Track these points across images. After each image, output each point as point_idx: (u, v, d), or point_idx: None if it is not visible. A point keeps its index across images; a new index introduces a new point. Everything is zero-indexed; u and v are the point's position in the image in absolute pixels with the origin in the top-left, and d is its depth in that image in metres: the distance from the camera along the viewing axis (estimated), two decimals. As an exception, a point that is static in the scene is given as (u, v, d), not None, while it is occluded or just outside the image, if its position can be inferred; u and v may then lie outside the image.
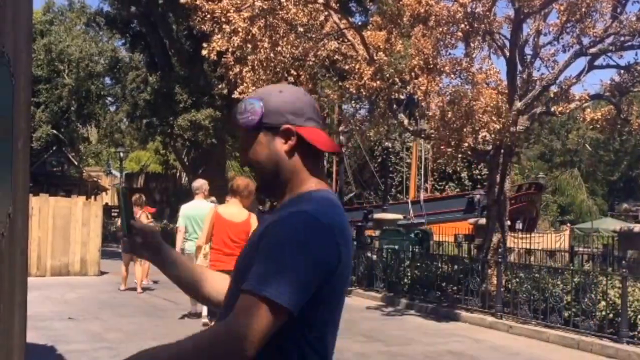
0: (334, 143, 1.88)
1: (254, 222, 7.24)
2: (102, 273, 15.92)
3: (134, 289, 13.25)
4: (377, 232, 17.98)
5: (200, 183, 10.51)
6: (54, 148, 37.25)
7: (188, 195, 20.43)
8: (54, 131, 35.56)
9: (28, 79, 3.89)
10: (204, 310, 10.03)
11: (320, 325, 1.74)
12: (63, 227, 15.35)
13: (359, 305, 12.66)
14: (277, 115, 1.78)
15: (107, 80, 35.94)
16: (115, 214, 17.32)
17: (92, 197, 27.58)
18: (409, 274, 13.14)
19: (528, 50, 12.72)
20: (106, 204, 21.85)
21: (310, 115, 1.81)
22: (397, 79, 12.64)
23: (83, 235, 15.56)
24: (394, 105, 13.39)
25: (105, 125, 39.68)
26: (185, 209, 10.30)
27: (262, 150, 1.81)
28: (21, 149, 3.52)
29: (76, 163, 40.36)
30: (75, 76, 33.57)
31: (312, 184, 1.80)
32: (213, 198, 11.92)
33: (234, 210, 7.29)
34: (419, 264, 13.08)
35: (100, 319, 10.20)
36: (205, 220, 7.74)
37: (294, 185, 1.81)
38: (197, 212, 9.87)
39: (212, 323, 6.01)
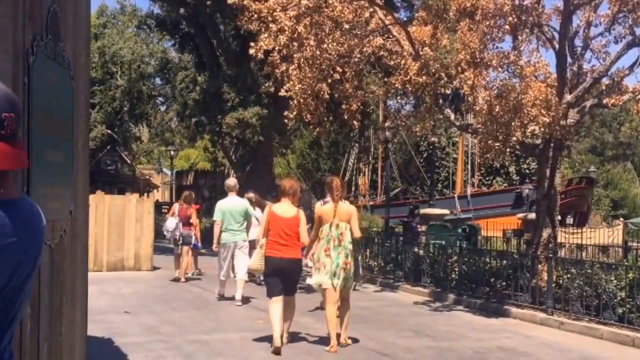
0: (6, 160, 1.70)
1: (302, 217, 8.23)
2: (154, 268, 16.28)
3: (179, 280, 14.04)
4: (424, 228, 17.92)
5: (234, 182, 12.25)
6: (108, 147, 38.15)
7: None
8: (108, 131, 36.39)
9: (86, 81, 4.06)
10: (238, 294, 11.44)
11: None
12: (118, 224, 15.77)
13: (406, 301, 12.69)
14: None
15: (158, 80, 36.55)
16: (166, 211, 17.72)
17: (145, 194, 28.19)
18: (456, 269, 13.10)
19: (578, 42, 12.53)
20: (157, 200, 22.26)
21: None
22: (443, 74, 12.59)
23: (137, 231, 15.96)
24: (440, 100, 13.34)
25: (156, 125, 40.44)
26: (221, 204, 11.78)
27: None
28: (81, 149, 3.69)
29: (129, 162, 41.20)
30: (127, 77, 34.26)
31: None
32: (250, 195, 13.47)
33: (285, 208, 8.23)
34: (466, 259, 13.03)
35: (155, 313, 10.46)
36: (262, 217, 8.76)
37: None
38: (231, 207, 11.63)
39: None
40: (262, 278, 9.65)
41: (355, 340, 8.81)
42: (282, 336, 8.04)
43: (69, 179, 3.41)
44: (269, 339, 8.66)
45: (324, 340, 8.44)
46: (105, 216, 15.50)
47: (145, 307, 10.95)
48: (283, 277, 8.08)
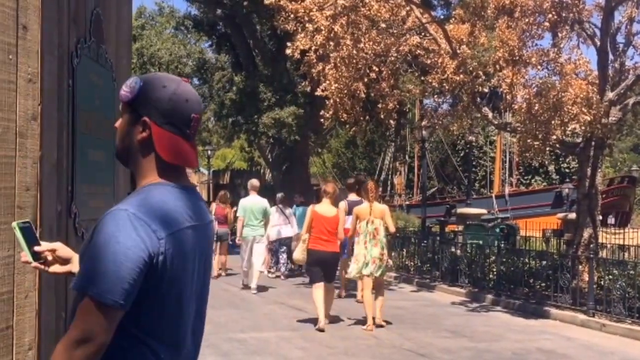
0: (184, 157, 1.88)
1: (341, 216, 9.69)
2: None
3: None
4: (460, 227, 17.77)
5: (256, 183, 13.44)
6: (147, 147, 38.62)
7: (272, 190, 20.94)
8: (147, 131, 36.83)
9: (128, 82, 4.11)
10: (253, 283, 12.70)
11: (150, 324, 1.78)
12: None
13: (443, 301, 12.60)
14: (145, 105, 1.84)
15: (195, 80, 36.83)
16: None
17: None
18: (494, 269, 12.97)
19: (620, 39, 12.32)
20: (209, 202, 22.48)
21: (174, 121, 1.84)
22: (480, 72, 12.46)
23: (174, 230, 16.05)
24: (478, 99, 13.22)
25: (193, 125, 40.80)
26: (243, 202, 13.03)
27: (123, 127, 1.90)
28: (123, 149, 3.73)
29: (167, 161, 41.65)
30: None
31: (153, 179, 1.86)
32: (280, 195, 15.07)
33: (326, 208, 9.62)
34: (505, 260, 12.88)
35: (192, 312, 10.53)
36: (306, 216, 9.83)
37: (141, 177, 1.88)
38: (252, 205, 12.88)
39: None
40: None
41: (391, 340, 8.78)
42: (325, 317, 9.34)
43: (110, 178, 3.46)
44: (305, 337, 8.69)
45: (361, 322, 9.69)
46: (143, 216, 15.63)
47: (183, 306, 11.04)
48: (324, 266, 9.45)
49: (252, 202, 12.97)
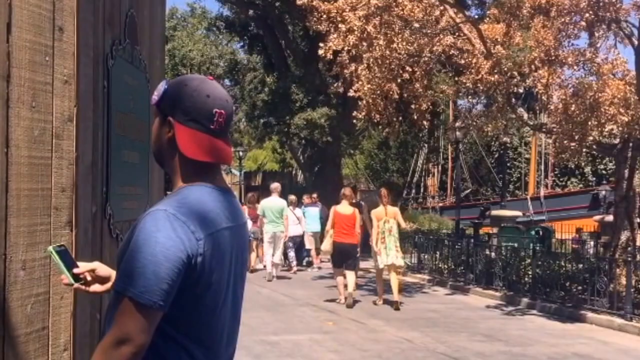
0: (209, 152, 1.88)
1: (357, 214, 11.75)
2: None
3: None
4: (495, 229, 17.58)
5: (276, 185, 15.57)
6: (179, 148, 38.88)
7: (304, 191, 21.03)
8: (178, 132, 37.10)
9: (162, 84, 4.12)
10: (272, 272, 14.71)
11: (187, 325, 1.79)
12: (188, 224, 16.01)
13: (477, 304, 12.47)
14: (169, 105, 1.89)
15: (227, 81, 37.03)
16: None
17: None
18: (529, 272, 12.78)
19: (658, 38, 12.06)
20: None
21: (197, 117, 1.86)
22: (515, 73, 12.32)
23: (207, 230, 16.17)
24: (513, 99, 13.07)
25: (224, 126, 40.98)
26: (264, 203, 15.20)
27: (155, 130, 1.95)
28: (157, 150, 3.74)
29: (199, 162, 41.90)
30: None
31: (189, 179, 1.88)
32: (292, 197, 16.90)
33: (345, 208, 11.78)
34: (540, 262, 12.69)
35: (225, 313, 10.57)
36: (330, 215, 11.98)
37: (175, 178, 1.91)
38: (271, 205, 14.88)
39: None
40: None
41: (425, 344, 8.71)
42: (346, 298, 11.47)
43: (144, 179, 3.46)
44: (338, 340, 8.67)
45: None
46: (176, 215, 15.74)
47: (216, 306, 11.09)
48: (345, 254, 11.52)
49: (271, 202, 14.95)
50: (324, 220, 15.35)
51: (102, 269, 2.08)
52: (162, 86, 1.92)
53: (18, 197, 2.18)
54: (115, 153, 2.90)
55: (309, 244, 17.21)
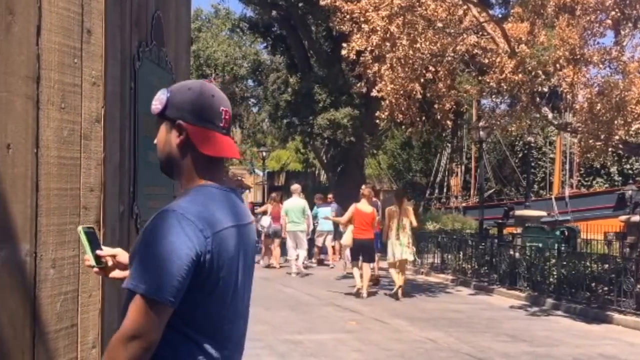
0: (224, 149, 1.95)
1: (374, 213, 12.87)
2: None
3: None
4: (519, 230, 17.43)
5: (296, 186, 16.73)
6: (202, 149, 39.06)
7: (327, 191, 21.11)
8: (202, 133, 37.26)
9: (188, 85, 4.16)
10: (295, 269, 15.64)
11: (198, 321, 1.83)
12: (212, 224, 16.11)
13: (501, 304, 12.40)
14: (175, 110, 1.93)
15: (250, 82, 37.20)
16: (260, 211, 18.42)
17: (238, 195, 28.76)
18: (554, 272, 12.67)
19: (685, 36, 11.94)
20: (251, 202, 22.68)
21: (208, 117, 1.93)
22: (540, 72, 12.22)
23: (230, 231, 16.26)
24: (537, 99, 12.97)
25: (248, 126, 41.17)
26: (286, 204, 16.39)
27: (161, 138, 1.98)
28: (182, 151, 3.78)
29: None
30: (221, 80, 35.04)
31: (198, 181, 1.94)
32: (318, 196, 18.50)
33: (364, 206, 12.75)
34: (565, 263, 12.58)
35: (248, 312, 10.62)
36: (348, 212, 13.03)
37: (185, 180, 1.96)
38: (293, 206, 16.00)
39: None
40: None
41: (449, 344, 8.69)
42: (360, 288, 12.49)
43: (169, 179, 3.50)
44: (362, 340, 8.68)
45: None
46: (200, 216, 15.81)
47: (239, 306, 11.13)
48: (363, 249, 12.56)
49: (293, 203, 16.01)
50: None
51: (123, 256, 2.13)
52: (163, 94, 1.96)
53: (47, 197, 2.23)
54: (142, 153, 2.93)
55: (320, 242, 17.84)
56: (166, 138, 1.96)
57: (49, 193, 2.23)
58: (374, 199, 15.21)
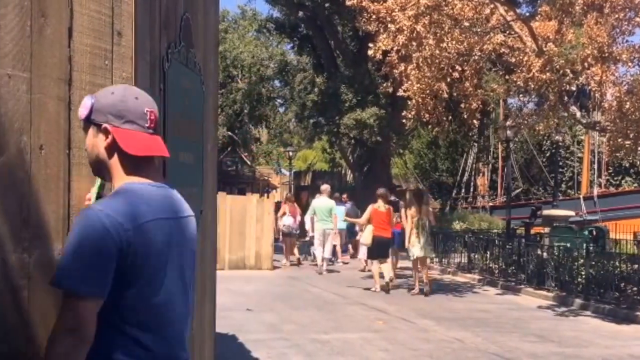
0: (149, 148, 2.02)
1: (390, 212, 13.42)
2: (274, 267, 16.63)
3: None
4: (546, 229, 17.28)
5: (326, 187, 17.19)
6: (229, 149, 39.28)
7: (353, 191, 21.15)
8: (229, 133, 37.45)
9: (215, 85, 4.21)
10: (323, 267, 16.19)
11: (129, 313, 1.89)
12: (239, 223, 16.19)
13: (528, 304, 12.31)
14: (100, 114, 2.01)
15: (277, 82, 37.25)
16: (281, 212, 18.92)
17: (265, 194, 28.85)
18: (583, 272, 12.55)
19: None
20: (277, 201, 22.80)
21: (132, 118, 2.01)
22: (568, 70, 12.11)
23: (257, 231, 16.33)
24: (565, 98, 12.86)
25: (275, 126, 41.26)
26: (314, 203, 17.00)
27: (89, 142, 2.05)
28: (210, 151, 3.82)
29: (249, 162, 42.27)
30: (247, 80, 35.15)
31: (126, 180, 2.00)
32: (336, 195, 18.94)
33: (382, 206, 13.28)
34: (594, 263, 12.45)
35: (275, 311, 10.69)
36: (366, 212, 13.53)
37: (114, 180, 2.02)
38: (320, 205, 16.52)
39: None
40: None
41: (476, 344, 8.65)
42: (381, 286, 13.00)
43: (199, 179, 3.54)
44: (388, 339, 8.69)
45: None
46: (227, 215, 15.90)
47: (266, 306, 11.21)
48: (381, 247, 13.13)
49: (321, 203, 16.54)
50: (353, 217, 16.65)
51: None
52: (88, 100, 2.04)
53: (79, 198, 2.27)
54: (172, 154, 2.97)
55: (334, 240, 17.99)
56: (94, 142, 2.03)
57: (81, 194, 2.28)
58: (396, 199, 16.06)
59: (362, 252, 15.93)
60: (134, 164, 2.01)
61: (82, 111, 2.04)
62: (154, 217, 1.95)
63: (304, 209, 19.91)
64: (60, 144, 2.20)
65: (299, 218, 17.84)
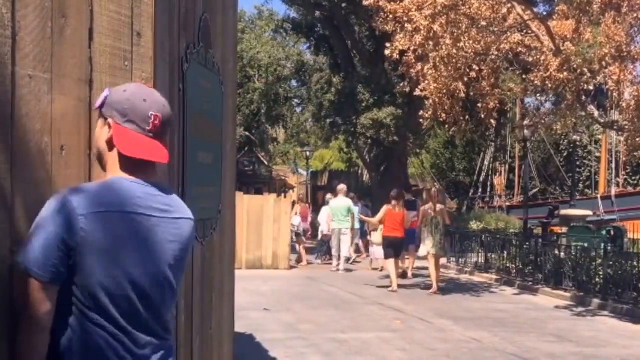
0: (143, 151, 2.02)
1: (404, 213, 13.67)
2: (291, 267, 16.67)
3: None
4: (564, 229, 17.19)
5: (342, 187, 17.43)
6: (246, 149, 39.35)
7: (370, 191, 21.14)
8: (246, 133, 37.52)
9: (234, 86, 4.24)
10: (341, 266, 16.57)
11: (90, 299, 1.91)
12: (256, 223, 16.24)
13: (546, 304, 12.26)
14: (110, 108, 2.07)
15: (294, 82, 37.22)
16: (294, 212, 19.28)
17: (282, 194, 28.89)
18: (600, 272, 12.47)
19: None
20: (294, 201, 22.84)
21: (133, 119, 2.04)
22: (585, 69, 12.03)
23: (274, 230, 16.37)
24: (583, 97, 12.78)
25: (292, 126, 41.26)
26: (331, 203, 17.35)
27: (97, 132, 2.12)
28: (229, 151, 3.86)
29: (266, 162, 42.32)
30: (264, 80, 35.17)
31: (117, 175, 2.04)
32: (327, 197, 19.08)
33: (396, 207, 13.52)
34: (612, 263, 12.37)
35: (293, 311, 10.72)
36: (380, 212, 13.90)
37: (107, 173, 2.07)
38: (337, 205, 16.92)
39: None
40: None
41: (494, 344, 8.64)
42: (392, 282, 13.28)
43: (218, 179, 3.58)
44: (406, 339, 8.69)
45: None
46: (244, 215, 15.93)
47: (283, 305, 11.24)
48: (395, 247, 13.45)
49: (338, 202, 16.86)
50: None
51: None
52: (105, 92, 2.10)
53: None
54: (191, 154, 3.01)
55: (355, 238, 18.64)
56: (99, 133, 2.10)
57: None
58: (413, 199, 16.67)
59: (373, 251, 16.12)
60: (131, 163, 2.04)
61: (98, 101, 2.12)
62: (119, 210, 1.96)
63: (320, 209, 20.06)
64: (81, 145, 2.23)
65: (309, 219, 18.51)
